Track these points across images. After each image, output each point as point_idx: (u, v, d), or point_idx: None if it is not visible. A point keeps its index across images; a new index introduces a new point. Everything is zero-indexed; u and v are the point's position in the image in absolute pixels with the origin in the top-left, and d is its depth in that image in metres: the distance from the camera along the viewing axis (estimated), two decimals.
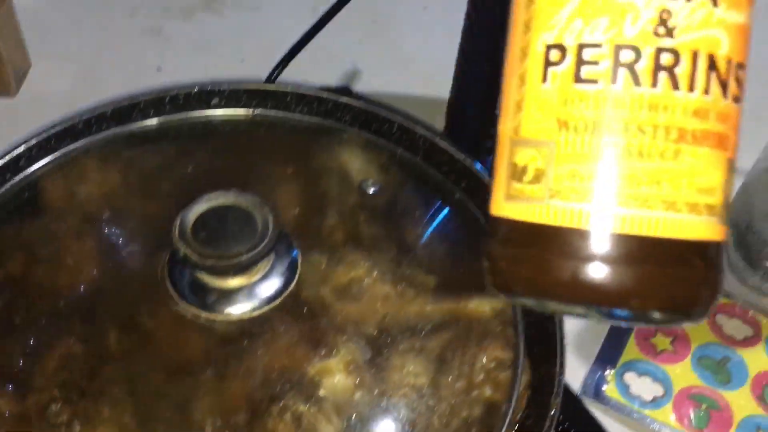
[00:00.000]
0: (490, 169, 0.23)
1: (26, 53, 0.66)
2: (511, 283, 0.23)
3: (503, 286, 0.23)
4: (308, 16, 0.56)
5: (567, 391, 0.45)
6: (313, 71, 0.63)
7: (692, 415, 0.48)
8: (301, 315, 0.38)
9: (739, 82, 0.21)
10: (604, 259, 0.20)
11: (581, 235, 0.20)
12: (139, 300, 0.39)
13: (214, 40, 0.74)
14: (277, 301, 0.38)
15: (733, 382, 0.50)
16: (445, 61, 0.64)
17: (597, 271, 0.20)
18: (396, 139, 0.47)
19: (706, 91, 0.21)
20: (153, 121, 0.48)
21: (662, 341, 0.52)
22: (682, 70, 0.20)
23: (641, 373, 0.50)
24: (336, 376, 0.37)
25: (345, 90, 0.61)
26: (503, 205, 0.22)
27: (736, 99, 0.21)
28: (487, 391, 0.37)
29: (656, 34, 0.20)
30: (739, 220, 0.57)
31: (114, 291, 0.39)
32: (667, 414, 0.48)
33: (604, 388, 0.50)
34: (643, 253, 0.20)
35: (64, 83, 0.67)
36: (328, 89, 0.54)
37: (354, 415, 0.36)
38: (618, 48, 0.20)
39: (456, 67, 0.63)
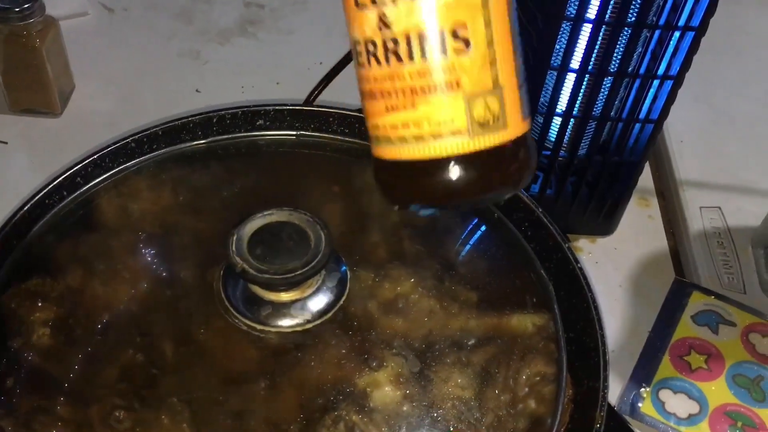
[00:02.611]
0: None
1: (71, 75, 0.68)
2: (398, 199, 0.31)
3: (394, 202, 0.31)
4: (341, 40, 0.57)
5: (607, 406, 0.45)
6: (348, 93, 0.64)
7: None
8: (350, 329, 0.39)
9: (464, 40, 0.26)
10: (454, 174, 0.28)
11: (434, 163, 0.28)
12: (193, 313, 0.40)
13: (249, 63, 0.76)
14: (328, 315, 0.39)
15: None
16: None
17: (452, 177, 0.28)
18: None
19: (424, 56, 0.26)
20: (201, 141, 0.50)
21: (696, 359, 0.52)
22: (402, 49, 0.26)
23: (677, 391, 0.51)
24: (385, 388, 0.38)
25: None
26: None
27: (460, 51, 0.26)
28: (532, 405, 0.38)
29: (380, 28, 0.26)
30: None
31: (169, 304, 0.41)
32: (703, 431, 0.49)
33: (640, 405, 0.50)
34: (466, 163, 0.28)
35: (106, 104, 0.69)
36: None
37: (403, 427, 0.37)
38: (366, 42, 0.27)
39: None
